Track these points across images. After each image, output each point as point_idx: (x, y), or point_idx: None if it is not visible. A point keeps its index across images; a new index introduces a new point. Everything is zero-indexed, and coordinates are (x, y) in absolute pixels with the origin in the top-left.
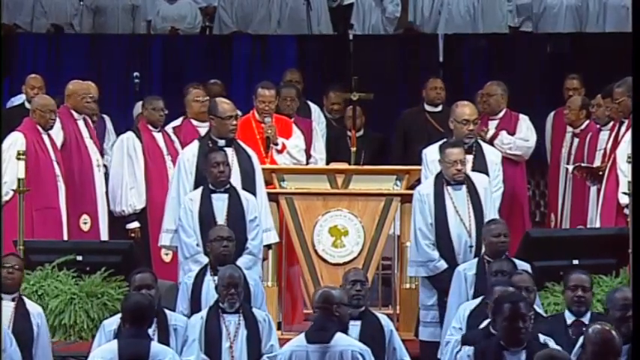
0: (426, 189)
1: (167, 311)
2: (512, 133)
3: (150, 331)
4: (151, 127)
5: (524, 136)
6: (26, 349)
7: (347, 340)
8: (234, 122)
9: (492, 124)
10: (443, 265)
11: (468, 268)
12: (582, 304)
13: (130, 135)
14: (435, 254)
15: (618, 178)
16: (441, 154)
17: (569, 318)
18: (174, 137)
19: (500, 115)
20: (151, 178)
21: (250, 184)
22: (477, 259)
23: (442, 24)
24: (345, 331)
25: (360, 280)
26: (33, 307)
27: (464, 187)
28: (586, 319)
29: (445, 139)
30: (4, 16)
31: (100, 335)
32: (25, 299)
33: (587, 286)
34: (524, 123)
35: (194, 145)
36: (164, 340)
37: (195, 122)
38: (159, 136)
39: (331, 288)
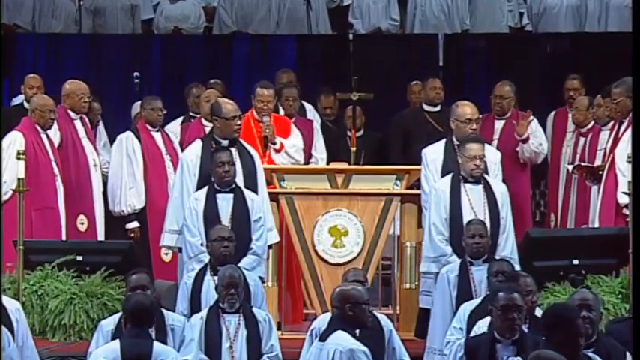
0: (442, 185)
1: (164, 311)
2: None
3: None
4: (149, 127)
5: (539, 140)
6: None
7: (339, 339)
8: (239, 122)
9: (498, 125)
10: (455, 260)
11: (450, 270)
12: None
13: (128, 135)
14: (448, 249)
15: (617, 178)
16: (461, 149)
17: None
18: (172, 137)
19: (507, 115)
20: (150, 178)
21: (252, 184)
22: (459, 261)
23: (417, 24)
24: (362, 329)
25: (360, 280)
26: (11, 303)
27: (480, 186)
28: None
29: (445, 138)
30: (4, 16)
31: (97, 335)
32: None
33: None
34: (535, 125)
35: (197, 146)
36: (161, 339)
37: (205, 122)
38: (157, 136)
39: (349, 285)
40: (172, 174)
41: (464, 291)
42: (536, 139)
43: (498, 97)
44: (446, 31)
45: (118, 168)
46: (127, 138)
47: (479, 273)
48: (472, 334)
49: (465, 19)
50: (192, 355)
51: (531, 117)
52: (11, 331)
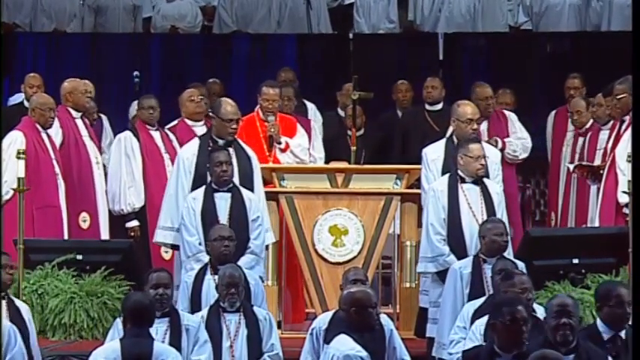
0: (440, 185)
1: (180, 311)
2: (505, 133)
3: (162, 330)
4: (148, 126)
5: (522, 135)
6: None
7: (339, 344)
8: (235, 126)
9: (483, 126)
10: (453, 259)
11: (463, 267)
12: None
13: (127, 134)
14: (446, 249)
15: (617, 177)
16: (462, 150)
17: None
18: (172, 136)
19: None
20: (149, 176)
21: (249, 184)
22: (471, 257)
23: (442, 23)
24: (368, 332)
25: (360, 279)
26: (20, 304)
27: (478, 186)
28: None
29: (446, 138)
30: (4, 15)
31: (113, 332)
32: (13, 297)
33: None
34: (516, 122)
35: (194, 144)
36: (176, 340)
37: (189, 122)
38: (156, 135)
39: (356, 287)
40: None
41: (477, 288)
42: (511, 145)
43: (489, 98)
44: (468, 30)
45: (117, 167)
46: (125, 137)
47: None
48: (470, 333)
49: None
50: (206, 357)
51: (497, 140)
52: (27, 332)
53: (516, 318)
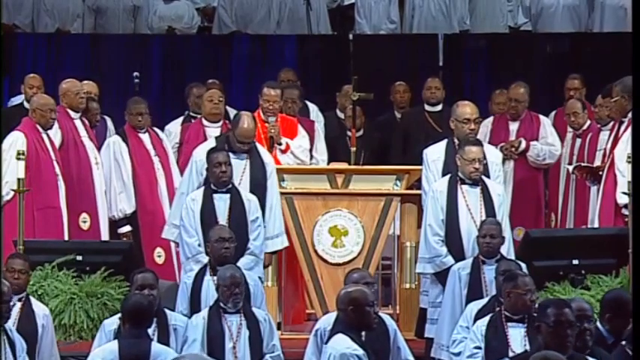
0: (440, 186)
1: (167, 311)
2: (535, 136)
3: (150, 331)
4: (137, 129)
5: (552, 141)
6: (30, 349)
7: (336, 343)
8: (245, 147)
9: (514, 126)
10: (450, 260)
11: (462, 268)
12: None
13: (115, 139)
14: (443, 250)
15: (616, 178)
16: (460, 151)
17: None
18: (162, 136)
19: (522, 116)
20: (139, 180)
21: (260, 191)
22: (471, 259)
23: (415, 25)
24: (367, 331)
25: (369, 282)
26: (39, 308)
27: (478, 187)
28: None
29: (446, 139)
30: (4, 16)
31: (100, 335)
32: (32, 299)
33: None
34: (549, 127)
35: (209, 145)
36: (164, 340)
37: (205, 122)
38: (145, 137)
39: (353, 287)
40: (162, 175)
41: (475, 290)
42: (535, 148)
43: (514, 100)
44: (444, 31)
45: (107, 173)
46: (114, 142)
47: (490, 272)
48: (471, 333)
49: (464, 19)
50: None
51: (521, 141)
52: (35, 336)
53: (561, 321)
